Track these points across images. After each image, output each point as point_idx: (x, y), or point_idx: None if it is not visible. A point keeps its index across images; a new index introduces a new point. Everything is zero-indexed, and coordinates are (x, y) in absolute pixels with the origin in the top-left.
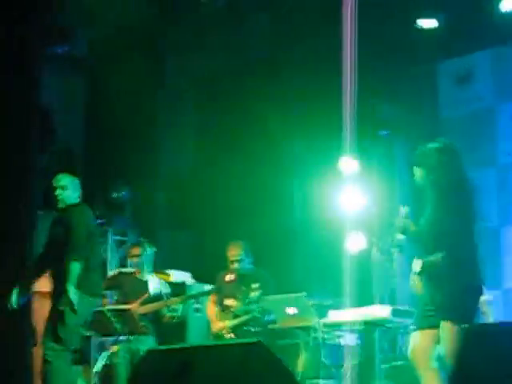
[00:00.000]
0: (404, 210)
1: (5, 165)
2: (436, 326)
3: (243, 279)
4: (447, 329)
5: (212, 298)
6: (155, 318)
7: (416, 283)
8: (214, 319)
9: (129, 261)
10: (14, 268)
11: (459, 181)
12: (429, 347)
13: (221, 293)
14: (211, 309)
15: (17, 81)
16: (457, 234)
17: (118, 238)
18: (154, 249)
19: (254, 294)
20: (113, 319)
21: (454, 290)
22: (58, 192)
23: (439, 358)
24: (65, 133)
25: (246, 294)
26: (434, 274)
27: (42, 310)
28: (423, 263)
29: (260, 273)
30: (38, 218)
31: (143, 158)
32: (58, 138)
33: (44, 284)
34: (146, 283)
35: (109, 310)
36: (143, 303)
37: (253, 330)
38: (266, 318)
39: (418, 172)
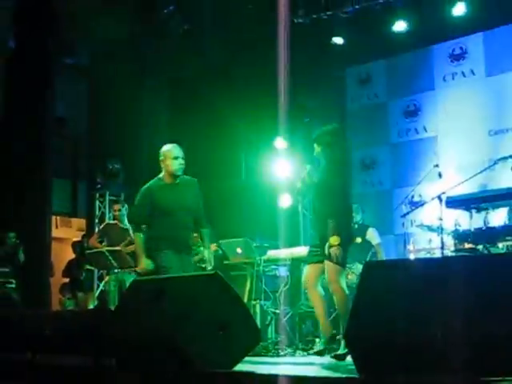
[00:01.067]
0: (306, 168)
1: (32, 145)
2: (321, 262)
3: None
4: (328, 265)
5: None
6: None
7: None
8: None
9: (112, 214)
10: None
11: (344, 155)
12: (315, 277)
13: None
14: None
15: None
16: (341, 190)
17: (113, 198)
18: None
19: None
20: (110, 257)
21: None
22: (183, 161)
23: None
24: (73, 122)
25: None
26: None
27: (61, 254)
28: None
29: None
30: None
31: (131, 140)
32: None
33: (63, 231)
34: (127, 230)
35: (106, 251)
36: (127, 244)
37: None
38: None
39: (316, 147)
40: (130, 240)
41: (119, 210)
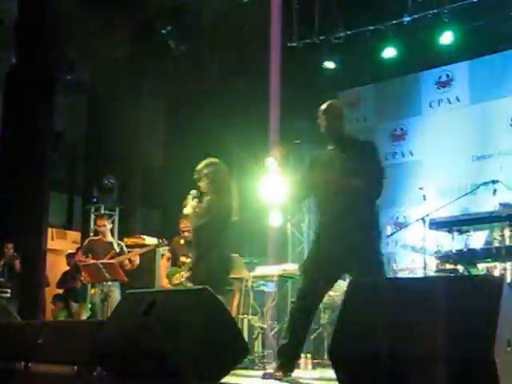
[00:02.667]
0: (191, 194)
1: (30, 158)
2: None
3: (190, 243)
4: None
5: (167, 256)
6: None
7: None
8: (163, 274)
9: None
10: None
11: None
12: None
13: (176, 253)
14: (164, 264)
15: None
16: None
17: (108, 212)
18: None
19: None
20: (103, 269)
21: None
22: None
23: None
24: (71, 137)
25: None
26: None
27: (55, 265)
28: None
29: None
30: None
31: (127, 156)
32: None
33: (58, 243)
34: (111, 243)
35: (101, 263)
36: (111, 258)
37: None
38: None
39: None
40: (113, 253)
41: (104, 226)
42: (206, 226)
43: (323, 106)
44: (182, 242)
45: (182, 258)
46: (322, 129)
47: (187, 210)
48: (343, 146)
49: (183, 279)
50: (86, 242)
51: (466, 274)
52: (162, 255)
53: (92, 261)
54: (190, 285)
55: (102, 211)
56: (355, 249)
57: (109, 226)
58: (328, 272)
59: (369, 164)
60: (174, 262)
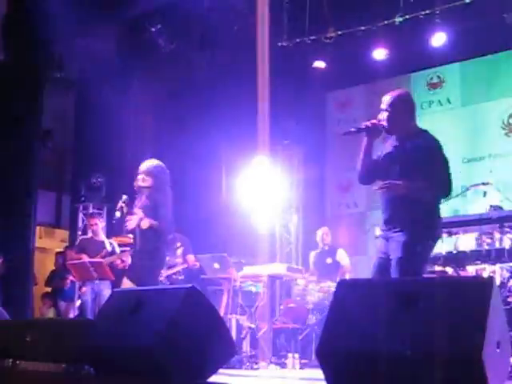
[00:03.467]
0: (122, 198)
1: (18, 157)
2: None
3: (173, 242)
4: None
5: None
6: (111, 266)
7: None
8: None
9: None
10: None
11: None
12: None
13: None
14: None
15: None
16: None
17: (96, 211)
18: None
19: (179, 252)
20: (91, 268)
21: None
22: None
23: None
24: (59, 135)
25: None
26: None
27: (44, 264)
28: None
29: (181, 236)
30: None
31: (115, 154)
32: (54, 139)
33: (46, 242)
34: (103, 242)
35: (89, 262)
36: (103, 256)
37: (180, 277)
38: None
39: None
40: (106, 252)
41: (96, 224)
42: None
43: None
44: None
45: None
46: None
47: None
48: None
49: (162, 278)
50: (79, 240)
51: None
52: None
53: (81, 259)
54: (168, 283)
55: (91, 209)
56: None
57: (100, 225)
58: None
59: None
60: None
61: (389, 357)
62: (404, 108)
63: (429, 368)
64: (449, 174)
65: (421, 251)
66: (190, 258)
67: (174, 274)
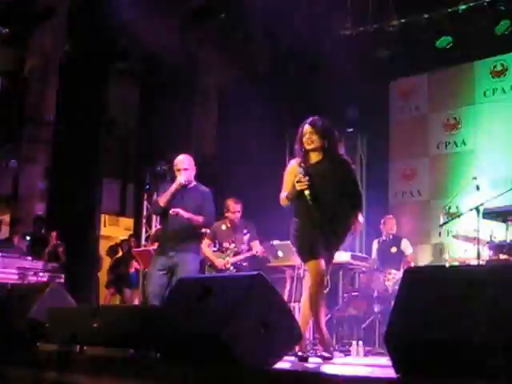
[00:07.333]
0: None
1: (85, 145)
2: None
3: (236, 227)
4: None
5: (207, 241)
6: None
7: None
8: (213, 258)
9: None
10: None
11: None
12: None
13: (218, 238)
14: (207, 250)
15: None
16: None
17: None
18: None
19: (245, 238)
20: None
21: None
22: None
23: None
24: (124, 124)
25: (240, 238)
26: None
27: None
28: None
29: (247, 222)
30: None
31: (179, 142)
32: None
33: (111, 230)
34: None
35: (153, 250)
36: None
37: (244, 264)
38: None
39: None
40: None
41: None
42: None
43: None
44: (224, 227)
45: (225, 244)
46: None
47: None
48: None
49: (229, 265)
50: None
51: None
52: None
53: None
54: (234, 270)
55: (155, 197)
56: None
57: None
58: None
59: None
60: (217, 246)
61: (457, 344)
62: None
63: (499, 355)
64: None
65: None
66: (255, 244)
67: (241, 261)
